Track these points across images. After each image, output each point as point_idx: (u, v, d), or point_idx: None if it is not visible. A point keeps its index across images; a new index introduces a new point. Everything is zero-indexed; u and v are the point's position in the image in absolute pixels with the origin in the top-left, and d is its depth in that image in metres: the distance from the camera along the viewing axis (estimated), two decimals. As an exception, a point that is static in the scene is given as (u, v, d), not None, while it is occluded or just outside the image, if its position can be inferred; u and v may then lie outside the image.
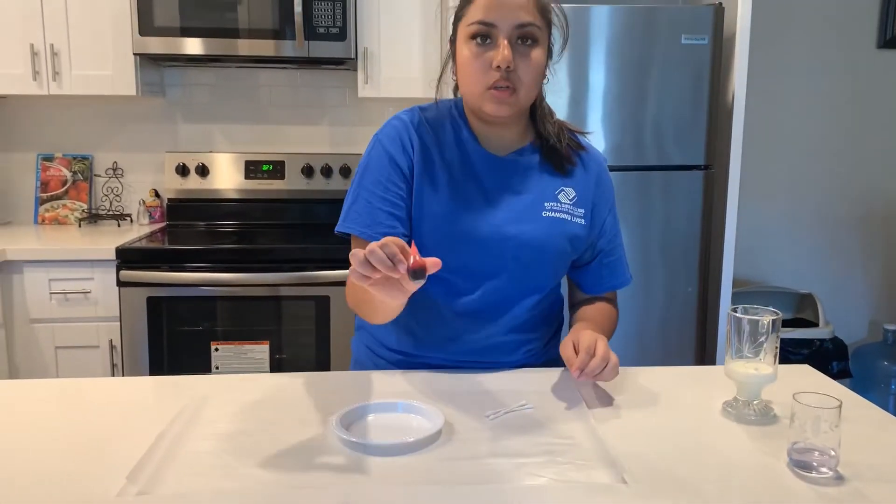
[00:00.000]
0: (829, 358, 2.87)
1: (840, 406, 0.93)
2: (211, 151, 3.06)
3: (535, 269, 1.33)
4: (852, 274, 3.35)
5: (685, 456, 1.00)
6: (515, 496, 0.90)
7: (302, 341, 2.54)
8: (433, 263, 0.96)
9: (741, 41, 2.55)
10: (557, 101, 2.45)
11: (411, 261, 0.95)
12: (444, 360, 1.34)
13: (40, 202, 3.05)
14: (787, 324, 3.03)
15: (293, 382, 1.27)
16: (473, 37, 1.22)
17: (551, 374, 1.31)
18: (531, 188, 1.33)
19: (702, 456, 1.01)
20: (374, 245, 0.94)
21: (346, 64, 2.87)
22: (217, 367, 2.50)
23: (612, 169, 2.43)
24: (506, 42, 1.20)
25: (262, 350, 2.52)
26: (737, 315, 1.11)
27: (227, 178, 3.02)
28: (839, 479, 0.94)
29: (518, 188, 1.32)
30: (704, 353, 2.67)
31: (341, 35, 2.66)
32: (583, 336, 1.20)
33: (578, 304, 1.46)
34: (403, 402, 1.14)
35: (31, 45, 2.66)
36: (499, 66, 1.20)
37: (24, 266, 2.49)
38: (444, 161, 1.31)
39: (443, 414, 1.08)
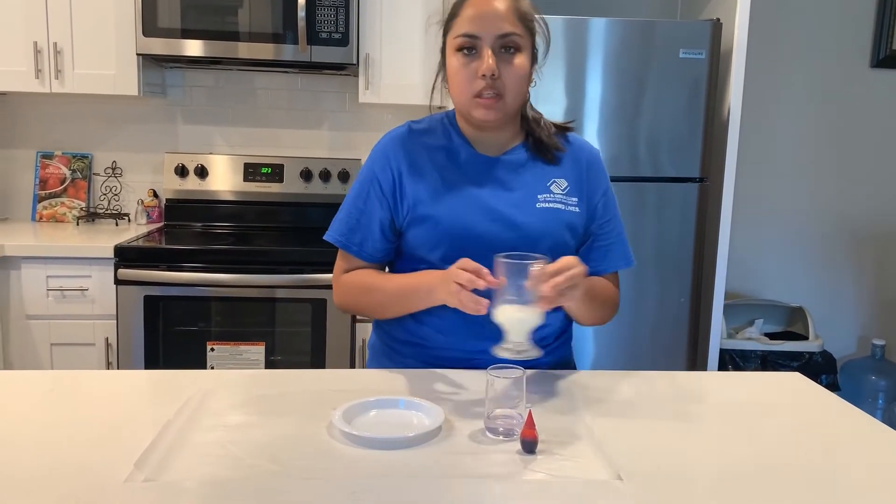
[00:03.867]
0: (819, 371, 2.90)
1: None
2: (210, 153, 3.08)
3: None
4: (843, 289, 3.39)
5: (680, 454, 1.03)
6: (514, 491, 0.92)
7: (297, 343, 2.55)
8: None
9: (738, 56, 2.59)
10: (554, 112, 2.47)
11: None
12: (460, 353, 1.36)
13: (38, 199, 3.05)
14: (777, 337, 3.06)
15: (296, 378, 1.28)
16: (460, 49, 1.31)
17: (551, 375, 1.34)
18: (523, 183, 1.38)
19: (695, 454, 1.03)
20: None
21: (346, 69, 2.90)
22: (212, 367, 2.51)
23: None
24: (489, 52, 1.28)
25: (257, 351, 2.53)
26: (502, 259, 1.15)
27: (225, 179, 3.04)
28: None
29: (510, 184, 1.37)
30: (696, 362, 2.70)
31: (344, 41, 2.69)
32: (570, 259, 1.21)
33: None
34: (405, 398, 1.16)
35: (35, 43, 2.68)
36: (484, 75, 1.28)
37: (22, 262, 2.50)
38: (436, 166, 1.38)
39: (443, 411, 1.11)
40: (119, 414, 1.10)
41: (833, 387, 2.90)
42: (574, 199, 1.38)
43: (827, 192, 3.34)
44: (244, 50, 2.69)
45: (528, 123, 1.41)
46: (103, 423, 1.06)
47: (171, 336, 2.52)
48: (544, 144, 1.39)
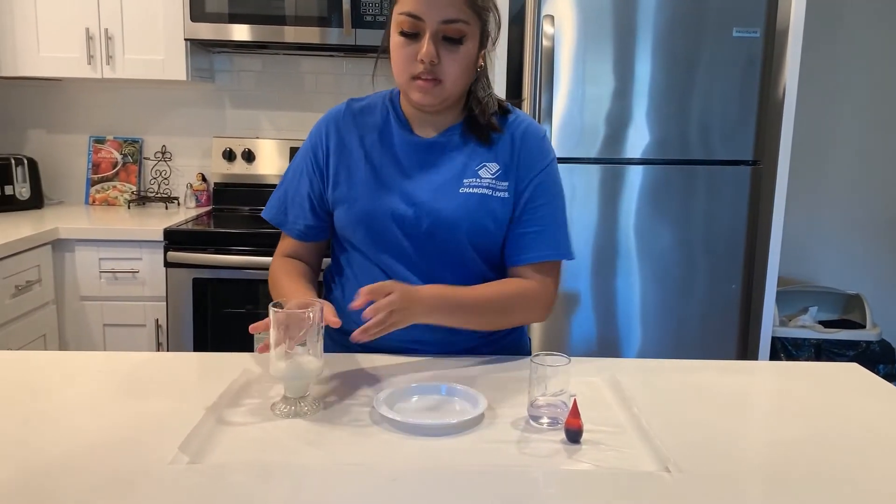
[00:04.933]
0: (876, 360, 2.81)
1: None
2: (257, 137, 3.10)
3: (453, 246, 1.31)
4: (902, 276, 3.27)
5: (730, 447, 1.00)
6: (557, 481, 0.90)
7: (342, 326, 2.56)
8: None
9: (794, 35, 2.50)
10: (601, 93, 2.44)
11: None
12: (392, 342, 1.29)
13: (91, 183, 3.12)
14: (833, 325, 2.97)
15: (339, 360, 1.28)
16: (402, 30, 1.24)
17: (595, 363, 1.31)
18: (452, 166, 1.33)
19: (746, 448, 1.00)
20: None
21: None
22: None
23: (656, 162, 2.46)
24: (429, 38, 1.22)
25: (303, 334, 2.55)
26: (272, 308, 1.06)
27: (271, 163, 3.06)
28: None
29: (437, 167, 1.33)
30: (746, 351, 2.64)
31: (387, 23, 2.67)
32: (387, 285, 1.17)
33: None
34: (447, 384, 1.15)
35: (87, 30, 2.73)
36: (423, 61, 1.23)
37: (76, 244, 2.56)
38: (363, 146, 1.35)
39: (485, 398, 1.09)
40: (165, 396, 1.12)
41: (891, 377, 2.81)
42: (504, 183, 1.32)
43: (887, 175, 3.22)
44: (290, 34, 2.70)
45: (471, 103, 1.35)
46: (150, 405, 1.08)
47: (219, 318, 2.56)
48: (479, 124, 1.34)
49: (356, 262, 1.37)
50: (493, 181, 1.32)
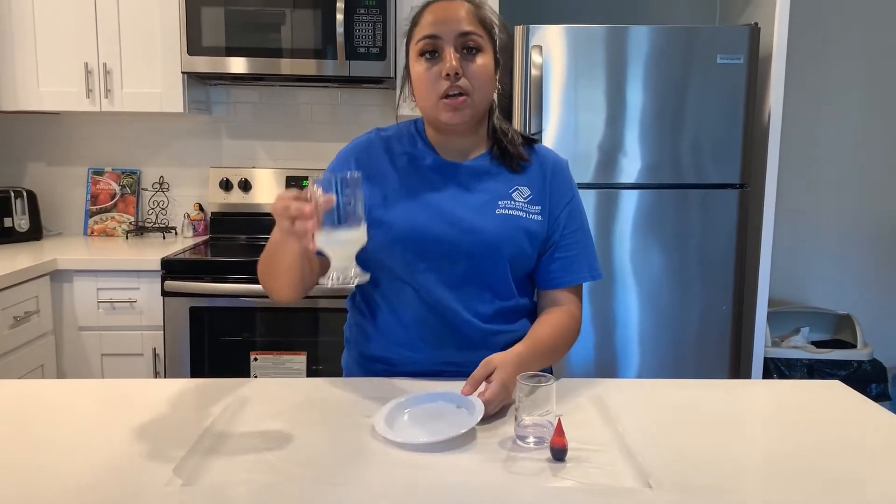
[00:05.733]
0: (868, 380, 2.83)
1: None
2: (253, 167, 3.15)
3: (491, 266, 1.35)
4: (892, 295, 3.30)
5: (711, 463, 1.02)
6: (541, 498, 0.92)
7: (339, 352, 2.58)
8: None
9: (777, 60, 2.56)
10: (593, 120, 2.49)
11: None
12: (425, 366, 1.36)
13: (90, 214, 3.16)
14: (825, 345, 3.00)
15: (333, 386, 1.31)
16: (422, 53, 1.31)
17: (581, 383, 1.34)
18: (485, 189, 1.38)
19: (727, 464, 1.03)
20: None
21: (384, 83, 2.94)
22: (256, 377, 2.56)
23: (649, 187, 2.50)
24: (452, 50, 1.29)
25: (299, 361, 2.58)
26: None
27: (268, 192, 3.10)
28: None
29: (472, 189, 1.38)
30: (739, 371, 2.66)
31: (381, 55, 2.73)
32: (489, 362, 1.21)
33: (539, 313, 1.45)
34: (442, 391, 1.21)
35: (86, 64, 2.78)
36: (448, 74, 1.28)
37: (74, 275, 2.59)
38: (397, 170, 1.39)
39: (481, 404, 1.12)
40: (160, 420, 1.14)
41: (883, 396, 2.83)
42: (537, 207, 1.38)
43: (874, 195, 3.26)
44: (287, 66, 2.75)
45: (495, 133, 1.41)
46: (145, 429, 1.10)
47: (216, 346, 2.58)
48: (509, 153, 1.39)
49: (385, 284, 1.39)
50: (526, 204, 1.38)
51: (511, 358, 1.23)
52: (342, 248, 1.11)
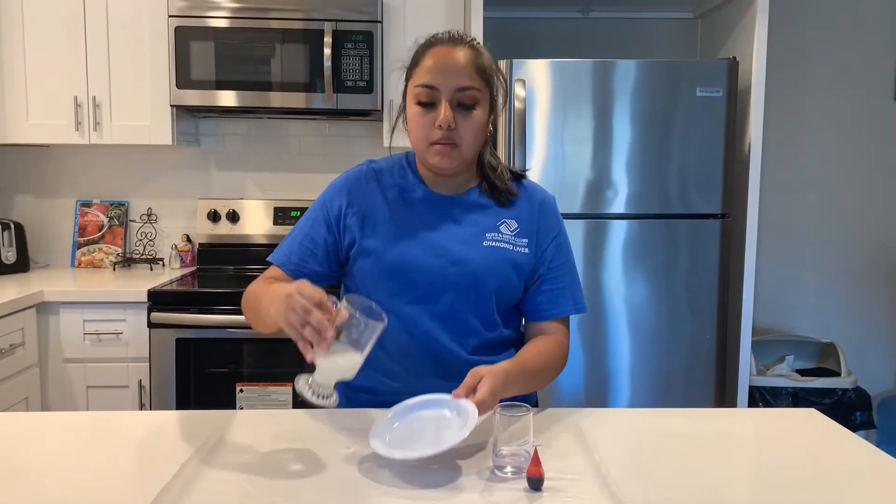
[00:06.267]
0: (853, 408, 2.85)
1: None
2: (242, 198, 3.17)
3: (477, 297, 1.37)
4: (875, 323, 3.33)
5: (685, 491, 1.03)
6: (518, 527, 0.93)
7: (325, 383, 2.59)
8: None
9: (756, 93, 2.62)
10: (579, 152, 2.53)
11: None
12: (411, 395, 1.32)
13: (77, 246, 3.17)
14: (809, 373, 3.02)
15: (314, 418, 1.32)
16: (419, 100, 1.34)
17: (563, 413, 1.35)
18: (474, 221, 1.41)
19: (701, 491, 1.04)
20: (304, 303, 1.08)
21: (372, 115, 2.98)
22: (241, 408, 2.56)
23: (633, 217, 2.53)
24: (447, 104, 1.31)
25: (285, 392, 2.58)
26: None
27: (256, 223, 3.12)
28: None
29: (460, 222, 1.40)
30: (725, 400, 2.68)
31: (368, 88, 2.78)
32: (477, 371, 1.22)
33: (526, 341, 1.47)
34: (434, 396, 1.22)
35: (75, 98, 2.81)
36: (440, 126, 1.31)
37: (61, 307, 2.59)
38: (387, 201, 1.42)
39: (474, 407, 1.13)
40: (142, 452, 1.15)
41: (868, 424, 2.85)
42: (524, 240, 1.41)
43: (854, 225, 3.31)
44: (276, 99, 2.79)
45: (484, 168, 1.44)
46: (126, 462, 1.11)
47: (202, 378, 2.58)
48: (497, 188, 1.42)
49: None
50: (513, 237, 1.40)
51: (498, 369, 1.25)
52: (334, 371, 1.12)
